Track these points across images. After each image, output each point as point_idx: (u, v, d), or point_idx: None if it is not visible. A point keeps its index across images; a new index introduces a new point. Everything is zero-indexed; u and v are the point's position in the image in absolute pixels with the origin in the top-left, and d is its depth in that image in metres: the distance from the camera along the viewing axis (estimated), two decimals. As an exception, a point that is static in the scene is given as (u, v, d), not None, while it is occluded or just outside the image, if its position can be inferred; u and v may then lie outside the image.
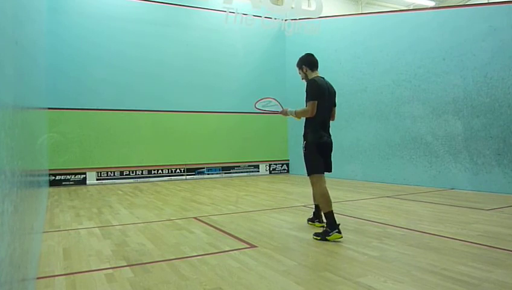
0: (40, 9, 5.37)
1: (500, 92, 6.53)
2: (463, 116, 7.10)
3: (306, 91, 3.78)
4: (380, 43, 8.92)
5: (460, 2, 15.13)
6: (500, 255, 3.00)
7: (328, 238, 3.53)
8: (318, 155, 3.78)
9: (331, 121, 4.00)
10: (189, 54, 10.88)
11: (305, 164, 3.87)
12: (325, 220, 3.74)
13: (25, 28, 2.36)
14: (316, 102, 3.69)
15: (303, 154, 3.88)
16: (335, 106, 3.99)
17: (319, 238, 3.59)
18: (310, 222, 4.31)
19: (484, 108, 6.74)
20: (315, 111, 3.71)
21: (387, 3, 17.14)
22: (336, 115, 4.04)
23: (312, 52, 4.08)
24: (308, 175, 3.87)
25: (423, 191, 6.70)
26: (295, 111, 3.93)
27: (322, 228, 3.80)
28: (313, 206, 4.37)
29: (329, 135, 3.90)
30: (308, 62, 3.96)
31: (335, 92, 3.97)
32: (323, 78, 3.89)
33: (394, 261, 2.90)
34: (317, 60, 3.99)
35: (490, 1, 8.53)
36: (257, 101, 4.37)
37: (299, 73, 4.04)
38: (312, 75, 3.89)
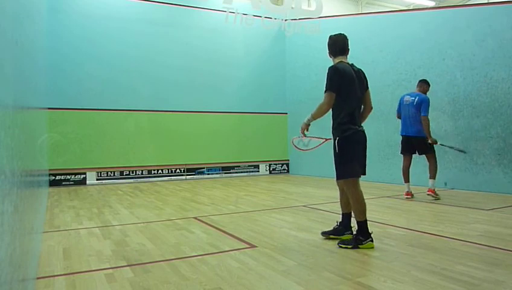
0: (40, 9, 5.37)
1: (500, 92, 6.53)
2: (463, 116, 7.10)
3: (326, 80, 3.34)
4: (379, 43, 8.92)
5: (460, 2, 15.13)
6: (500, 255, 3.00)
7: (360, 246, 3.23)
8: (350, 154, 3.31)
9: (369, 113, 3.60)
10: (189, 54, 10.87)
11: (335, 165, 3.37)
12: (341, 226, 3.52)
13: (25, 28, 2.36)
14: (334, 94, 3.26)
15: (334, 155, 3.37)
16: (367, 89, 3.54)
17: (350, 246, 3.24)
18: (326, 235, 3.61)
19: (484, 108, 6.74)
20: (332, 102, 3.27)
21: (387, 3, 17.14)
22: (371, 102, 3.57)
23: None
24: (336, 179, 3.41)
25: (423, 191, 6.69)
26: (311, 114, 3.37)
27: (350, 236, 3.43)
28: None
29: (361, 128, 3.43)
30: (329, 47, 3.49)
31: (365, 77, 3.54)
32: (351, 64, 3.45)
33: (394, 261, 2.90)
34: (342, 42, 3.44)
35: (490, 1, 8.53)
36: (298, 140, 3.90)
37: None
38: (335, 62, 3.42)
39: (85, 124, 9.64)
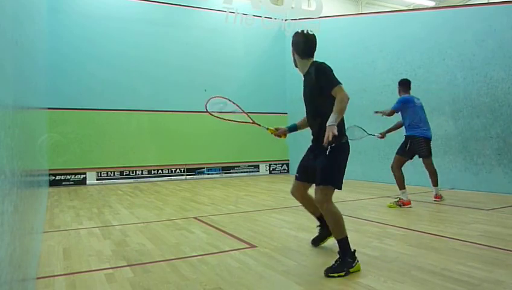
0: (40, 9, 5.37)
1: (500, 92, 6.53)
2: (463, 116, 7.09)
3: (320, 80, 2.87)
4: (379, 43, 8.92)
5: (460, 2, 15.13)
6: (500, 255, 3.00)
7: (351, 270, 2.66)
8: (343, 163, 2.89)
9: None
10: (189, 54, 10.88)
11: (325, 169, 2.84)
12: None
13: (25, 28, 2.36)
14: (342, 84, 2.78)
15: (325, 159, 2.84)
16: None
17: (343, 273, 2.61)
18: (316, 244, 3.37)
19: (484, 108, 6.74)
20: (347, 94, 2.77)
21: (387, 3, 17.13)
22: None
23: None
24: (322, 184, 2.82)
25: (423, 191, 6.70)
26: (336, 113, 2.74)
27: (336, 262, 2.72)
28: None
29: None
30: (299, 45, 3.05)
31: None
32: None
33: (394, 261, 2.90)
34: (314, 43, 3.09)
35: (490, 1, 8.53)
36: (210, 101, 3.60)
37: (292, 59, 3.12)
38: (302, 63, 3.06)
39: (85, 124, 9.64)
